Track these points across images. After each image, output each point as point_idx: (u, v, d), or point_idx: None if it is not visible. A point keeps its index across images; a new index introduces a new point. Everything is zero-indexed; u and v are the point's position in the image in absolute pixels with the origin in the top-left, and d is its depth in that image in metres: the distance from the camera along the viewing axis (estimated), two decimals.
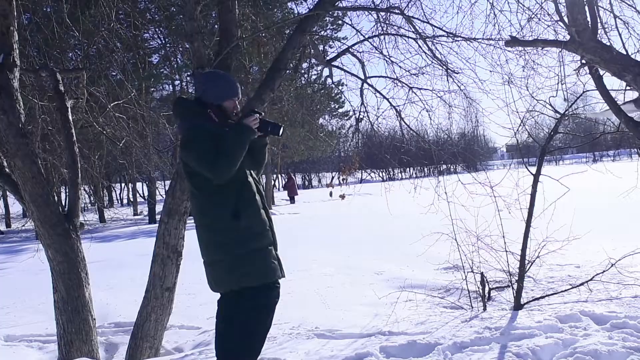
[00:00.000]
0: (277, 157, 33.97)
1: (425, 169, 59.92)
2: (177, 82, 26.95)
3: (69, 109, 5.48)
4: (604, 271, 6.30)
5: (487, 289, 6.31)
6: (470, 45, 6.42)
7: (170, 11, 19.57)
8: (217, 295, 3.49)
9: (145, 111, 9.79)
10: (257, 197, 3.46)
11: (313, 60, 8.96)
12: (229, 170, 3.26)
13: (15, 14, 4.99)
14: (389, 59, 6.83)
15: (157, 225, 5.94)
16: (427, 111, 6.94)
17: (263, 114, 3.59)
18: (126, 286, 8.81)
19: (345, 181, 8.00)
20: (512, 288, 6.10)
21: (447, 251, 6.67)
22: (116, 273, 10.29)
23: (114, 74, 10.24)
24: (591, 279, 6.27)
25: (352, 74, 6.65)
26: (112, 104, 7.45)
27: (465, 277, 6.42)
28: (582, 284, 6.35)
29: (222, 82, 3.58)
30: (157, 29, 22.69)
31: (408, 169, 65.10)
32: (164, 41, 23.83)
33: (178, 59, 24.64)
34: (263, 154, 3.68)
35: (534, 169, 5.99)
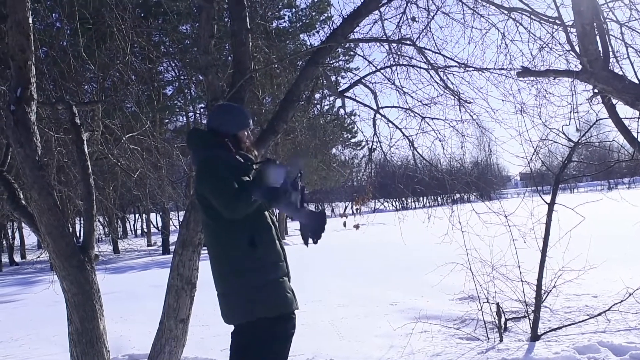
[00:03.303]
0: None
1: (439, 199, 59.80)
2: (190, 114, 27.21)
3: (85, 142, 5.54)
4: (621, 301, 6.23)
5: (503, 319, 6.25)
6: (482, 75, 6.46)
7: (184, 44, 19.85)
8: (231, 327, 3.48)
9: (159, 142, 9.88)
10: (273, 228, 3.47)
11: (326, 91, 9.03)
12: (243, 212, 3.24)
13: (32, 48, 5.09)
14: (401, 89, 6.87)
15: (170, 256, 5.95)
16: (439, 141, 6.94)
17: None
18: (140, 318, 8.79)
19: (358, 211, 7.96)
20: (529, 318, 6.03)
21: (462, 281, 6.62)
22: (130, 304, 10.28)
23: (128, 106, 10.37)
24: (609, 309, 6.19)
25: (365, 105, 6.69)
26: (126, 136, 7.53)
27: (481, 307, 6.37)
28: (599, 314, 6.27)
29: (237, 112, 3.62)
30: (171, 62, 22.96)
31: (421, 198, 65.06)
32: (178, 73, 24.10)
33: (192, 91, 24.86)
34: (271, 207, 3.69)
35: (548, 198, 5.97)
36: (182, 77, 24.29)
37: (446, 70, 6.44)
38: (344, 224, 8.19)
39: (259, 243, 3.32)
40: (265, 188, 3.25)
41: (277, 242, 3.46)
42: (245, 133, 3.61)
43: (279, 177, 3.23)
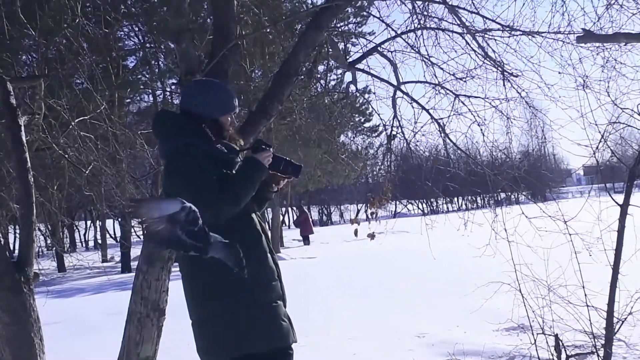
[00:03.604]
0: (286, 185, 34.07)
1: (478, 199, 59.88)
2: (158, 92, 27.10)
3: (22, 127, 5.51)
4: None
5: (564, 356, 6.21)
6: (533, 41, 6.43)
7: (151, 2, 19.85)
8: None
9: (118, 129, 9.86)
10: (263, 237, 3.45)
11: (332, 63, 9.00)
12: (231, 211, 3.30)
13: None
14: (429, 59, 6.85)
15: (132, 274, 5.92)
16: (478, 125, 6.92)
17: (272, 147, 3.68)
18: (92, 355, 8.78)
19: (374, 216, 7.88)
20: (598, 355, 6.00)
21: (509, 306, 6.59)
22: (79, 338, 10.28)
23: (79, 82, 10.36)
24: None
25: (382, 79, 6.67)
26: (76, 121, 7.50)
27: (535, 340, 6.33)
28: None
29: (219, 92, 3.63)
30: (133, 26, 23.00)
31: (455, 199, 65.07)
32: (142, 40, 24.12)
33: (160, 63, 24.83)
34: (265, 203, 3.75)
35: (620, 198, 5.91)
36: (147, 45, 24.28)
37: (486, 35, 6.43)
38: (355, 233, 8.16)
39: (246, 256, 3.27)
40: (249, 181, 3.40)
41: (269, 255, 3.43)
42: (229, 118, 3.63)
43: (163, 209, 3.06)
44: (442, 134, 6.79)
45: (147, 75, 26.10)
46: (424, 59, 6.82)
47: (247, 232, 3.41)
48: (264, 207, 3.80)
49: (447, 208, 58.09)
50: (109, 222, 36.48)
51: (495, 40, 6.46)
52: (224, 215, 3.25)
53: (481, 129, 6.88)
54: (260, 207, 3.69)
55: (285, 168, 3.65)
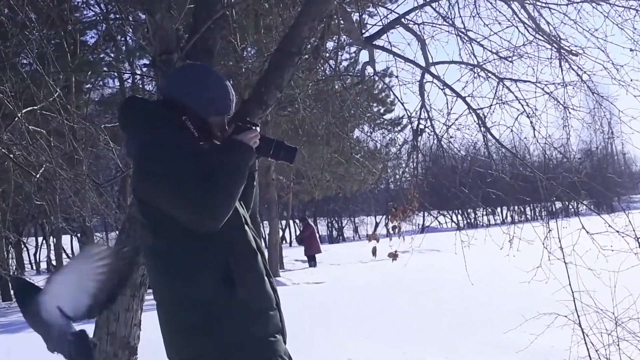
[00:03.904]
0: (286, 192, 33.94)
1: (527, 210, 59.52)
2: (126, 76, 27.07)
3: None
4: None
5: None
6: (597, 10, 6.47)
7: None
8: None
9: (77, 122, 9.91)
10: (259, 256, 3.50)
11: (344, 38, 9.04)
12: (225, 211, 3.28)
13: None
14: (465, 34, 6.90)
15: None
16: (527, 116, 6.97)
17: (259, 126, 3.65)
18: None
19: (397, 231, 7.89)
20: None
21: (565, 343, 6.62)
22: None
23: (25, 62, 10.40)
24: None
25: (407, 60, 6.73)
26: (23, 112, 7.57)
27: None
28: None
29: (216, 87, 3.62)
30: None
31: (499, 209, 64.72)
32: (104, 10, 24.09)
33: (128, 39, 24.85)
34: (252, 189, 3.73)
35: None
36: (111, 17, 24.28)
37: (538, 3, 6.45)
38: (373, 252, 8.21)
39: (238, 280, 3.34)
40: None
41: (266, 278, 3.48)
42: (223, 122, 3.62)
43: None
44: (482, 128, 6.83)
45: (112, 55, 26.06)
46: (460, 34, 6.86)
47: (239, 248, 3.41)
48: (251, 201, 3.79)
49: (488, 221, 57.91)
50: (65, 239, 36.33)
51: (550, 9, 6.50)
52: (221, 218, 3.24)
53: (531, 122, 6.93)
54: (247, 201, 3.69)
55: (276, 151, 3.59)
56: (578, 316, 6.24)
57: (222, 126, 3.62)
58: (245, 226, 3.51)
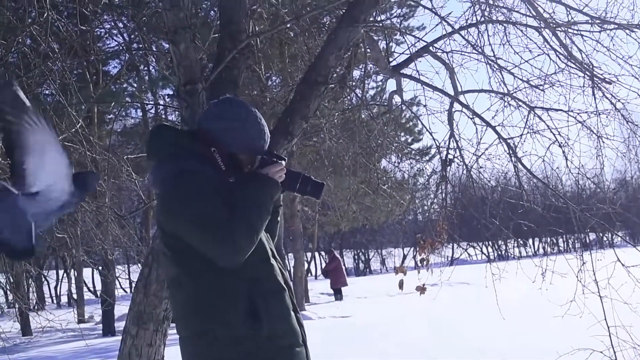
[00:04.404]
0: (312, 224, 33.91)
1: (560, 242, 59.06)
2: (149, 106, 27.13)
3: None
4: None
5: None
6: (632, 37, 6.45)
7: None
8: None
9: (99, 153, 9.96)
10: (286, 291, 3.51)
11: (371, 67, 9.08)
12: (249, 245, 3.29)
13: None
14: (495, 62, 6.90)
15: (118, 338, 6.00)
16: (560, 146, 6.94)
17: (286, 160, 3.66)
18: None
19: (425, 263, 7.86)
20: None
21: None
22: None
23: (47, 93, 10.48)
24: None
25: (435, 88, 6.74)
26: None
27: None
28: None
29: (253, 126, 3.64)
30: (117, 21, 23.14)
31: (530, 241, 64.24)
32: (128, 40, 24.23)
33: (151, 69, 24.92)
34: (276, 222, 3.74)
35: None
36: (134, 46, 24.42)
37: (570, 30, 6.45)
38: (400, 285, 8.18)
39: (264, 314, 3.35)
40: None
41: (292, 313, 3.49)
42: (251, 159, 3.64)
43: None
44: (513, 158, 6.82)
45: (135, 85, 26.10)
46: (489, 62, 6.86)
47: (266, 280, 3.42)
48: (275, 234, 3.81)
49: (520, 253, 57.48)
50: (86, 272, 36.41)
51: (582, 36, 6.48)
52: (244, 253, 3.26)
53: (563, 151, 6.90)
54: (272, 233, 3.71)
55: (302, 186, 3.60)
56: (614, 352, 6.18)
57: (251, 163, 3.64)
58: (272, 259, 3.53)
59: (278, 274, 3.50)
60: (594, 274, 6.24)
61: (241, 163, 3.62)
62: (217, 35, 5.80)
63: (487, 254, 56.24)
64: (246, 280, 3.36)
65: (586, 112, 6.88)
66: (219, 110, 3.66)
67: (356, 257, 64.62)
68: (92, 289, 41.26)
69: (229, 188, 3.45)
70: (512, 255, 52.56)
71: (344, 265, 37.84)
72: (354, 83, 10.45)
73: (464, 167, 7.24)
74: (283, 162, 3.56)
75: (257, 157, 3.64)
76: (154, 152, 3.63)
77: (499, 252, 59.08)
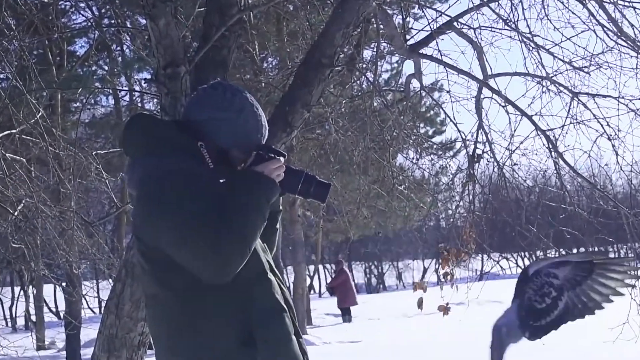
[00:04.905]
0: (315, 232, 33.93)
1: (611, 251, 58.85)
2: (123, 93, 27.14)
3: None
4: None
5: None
6: None
7: None
8: None
9: (63, 148, 9.96)
10: (287, 312, 3.48)
11: (384, 46, 9.06)
12: (240, 258, 3.24)
13: None
14: (531, 40, 6.88)
15: None
16: (609, 138, 6.92)
17: (286, 156, 3.61)
18: None
19: (449, 278, 7.80)
20: None
21: None
22: None
23: (2, 77, 10.50)
24: None
25: (460, 71, 6.72)
26: (0, 135, 7.62)
27: None
28: None
29: (249, 117, 3.62)
30: None
31: (574, 251, 63.89)
32: (97, 15, 24.25)
33: (125, 49, 24.95)
34: (274, 229, 3.74)
35: None
36: (105, 22, 24.45)
37: (620, 2, 6.43)
38: (419, 304, 8.17)
39: (261, 341, 3.33)
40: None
41: (294, 338, 3.48)
42: (247, 157, 3.58)
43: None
44: (553, 153, 6.80)
45: (106, 68, 26.14)
46: (525, 40, 6.84)
47: (262, 299, 3.39)
48: (274, 244, 3.79)
49: None
50: (47, 289, 36.39)
51: (635, 8, 6.47)
52: (233, 267, 3.21)
53: (613, 145, 6.89)
54: (269, 244, 3.69)
55: (305, 187, 3.54)
56: None
57: (244, 160, 3.58)
58: (269, 274, 3.49)
59: (277, 292, 3.47)
60: None
61: (233, 160, 3.57)
62: (202, 9, 5.78)
63: (522, 267, 56.24)
64: (239, 299, 3.33)
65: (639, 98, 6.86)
66: (209, 98, 3.62)
67: (367, 270, 64.76)
68: (54, 310, 41.31)
69: (218, 189, 3.39)
70: None
71: (353, 280, 37.88)
72: (364, 65, 10.38)
73: (495, 163, 7.23)
74: (282, 159, 3.50)
75: (252, 153, 3.58)
76: (131, 146, 3.60)
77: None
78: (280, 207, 3.74)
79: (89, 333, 21.91)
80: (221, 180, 3.46)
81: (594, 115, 6.74)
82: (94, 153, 10.34)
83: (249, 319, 3.33)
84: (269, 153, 3.51)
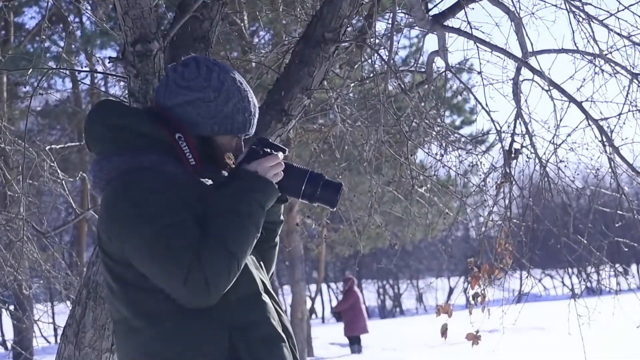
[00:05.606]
0: (317, 243, 33.97)
1: None
2: (82, 75, 27.21)
3: None
4: None
5: None
6: None
7: None
8: None
9: (10, 142, 10.03)
10: (285, 341, 3.49)
11: (402, 17, 9.09)
12: (226, 278, 3.22)
13: None
14: (581, 9, 6.92)
15: None
16: None
17: (286, 151, 3.58)
18: None
19: (480, 300, 7.79)
20: None
21: None
22: None
23: None
24: None
25: (495, 47, 6.76)
26: None
27: None
28: None
29: (233, 93, 3.58)
30: None
31: (633, 267, 64.05)
32: None
33: (85, 21, 25.02)
34: (272, 245, 3.75)
35: None
36: None
37: None
38: (443, 332, 8.20)
39: None
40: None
41: None
42: (236, 142, 3.62)
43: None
44: (608, 148, 6.83)
45: (61, 44, 26.19)
46: (573, 9, 6.87)
47: (252, 327, 3.38)
48: (272, 261, 3.80)
49: (618, 285, 57.48)
50: None
51: None
52: (218, 289, 3.19)
53: None
54: (267, 261, 3.69)
55: (310, 189, 3.47)
56: None
57: (233, 149, 3.56)
58: (264, 295, 3.48)
59: (273, 316, 3.47)
60: None
61: (217, 151, 3.55)
62: None
63: (570, 287, 56.31)
64: (227, 325, 3.33)
65: None
66: (181, 78, 3.57)
67: (381, 291, 64.75)
68: (1, 338, 41.52)
69: (202, 192, 3.41)
70: (608, 289, 52.57)
71: (364, 302, 37.87)
72: (377, 41, 10.37)
73: (537, 160, 7.25)
74: (281, 154, 3.49)
75: (242, 144, 3.60)
76: (94, 140, 3.59)
77: (588, 284, 59.24)
78: (282, 217, 3.72)
79: None
80: (205, 182, 3.47)
81: None
82: (47, 148, 10.39)
83: (239, 351, 3.33)
84: (264, 148, 3.46)
